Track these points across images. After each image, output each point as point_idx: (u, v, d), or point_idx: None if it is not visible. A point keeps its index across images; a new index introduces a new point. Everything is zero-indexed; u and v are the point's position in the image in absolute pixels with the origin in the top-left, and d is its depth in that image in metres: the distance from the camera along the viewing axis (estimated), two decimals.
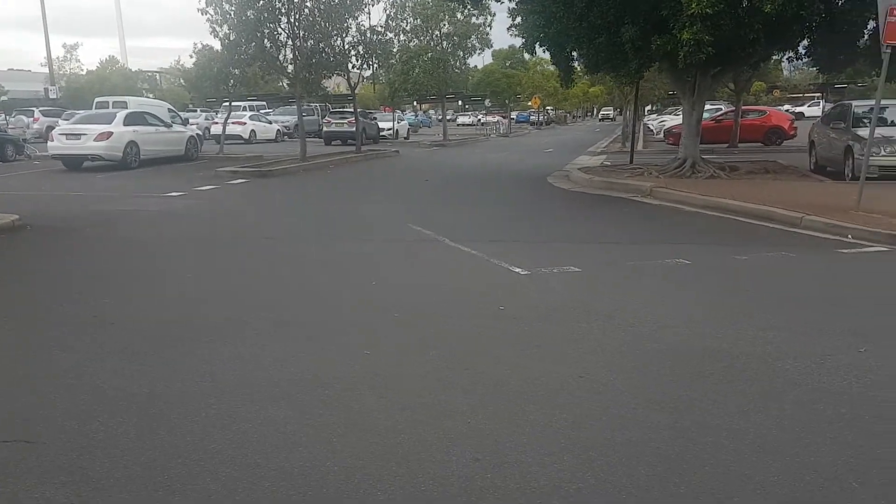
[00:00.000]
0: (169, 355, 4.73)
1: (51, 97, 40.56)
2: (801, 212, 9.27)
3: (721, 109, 32.01)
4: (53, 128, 34.65)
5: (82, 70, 69.45)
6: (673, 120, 37.45)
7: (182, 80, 72.49)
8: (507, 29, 14.91)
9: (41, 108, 37.94)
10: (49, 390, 4.15)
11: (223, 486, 3.08)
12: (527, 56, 66.20)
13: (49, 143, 18.50)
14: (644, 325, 5.24)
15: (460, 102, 70.38)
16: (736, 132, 24.15)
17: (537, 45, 14.29)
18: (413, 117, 56.59)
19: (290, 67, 20.41)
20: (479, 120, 63.18)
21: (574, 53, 14.31)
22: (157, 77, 64.86)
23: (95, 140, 17.58)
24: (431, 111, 75.24)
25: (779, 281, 6.75)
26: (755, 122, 26.04)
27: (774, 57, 15.99)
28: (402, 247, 8.53)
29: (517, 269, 7.01)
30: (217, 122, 33.90)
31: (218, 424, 3.67)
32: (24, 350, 4.85)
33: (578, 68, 15.92)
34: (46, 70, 42.81)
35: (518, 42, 16.27)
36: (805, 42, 13.38)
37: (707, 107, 36.47)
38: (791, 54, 14.52)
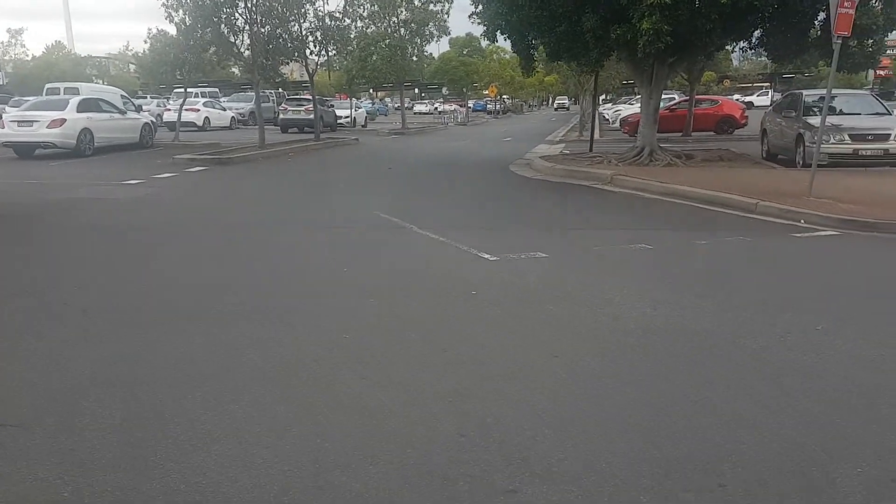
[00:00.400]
0: (145, 341, 4.74)
1: None
2: (755, 198, 9.60)
3: (675, 99, 32.66)
4: (0, 115, 34.01)
5: (28, 55, 67.46)
6: (628, 109, 38.04)
7: (131, 66, 70.98)
8: (469, 16, 14.97)
9: None
10: (30, 376, 4.13)
11: (216, 463, 3.15)
12: (484, 44, 66.40)
13: (0, 131, 17.94)
14: (612, 306, 5.43)
15: (417, 90, 70.32)
16: (690, 121, 24.67)
17: (498, 33, 14.41)
18: (370, 105, 56.29)
19: (247, 53, 20.15)
20: (436, 108, 63.20)
21: (535, 42, 14.46)
22: (107, 63, 63.18)
23: (48, 127, 17.13)
24: (388, 99, 74.93)
25: (737, 264, 7.03)
26: (708, 112, 26.63)
27: (728, 47, 16.41)
28: (371, 234, 8.59)
29: (486, 255, 7.13)
30: (170, 109, 33.31)
31: (205, 406, 3.72)
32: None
33: (539, 57, 16.06)
34: None
35: (478, 30, 16.42)
36: (758, 32, 13.79)
37: (662, 96, 37.03)
38: (745, 44, 14.94)
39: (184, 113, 30.90)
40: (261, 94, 42.35)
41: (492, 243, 7.65)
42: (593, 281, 6.22)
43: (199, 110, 32.82)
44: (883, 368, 4.23)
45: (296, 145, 21.31)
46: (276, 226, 9.13)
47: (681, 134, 24.21)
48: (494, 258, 7.03)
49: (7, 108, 33.93)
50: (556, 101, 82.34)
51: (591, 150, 17.48)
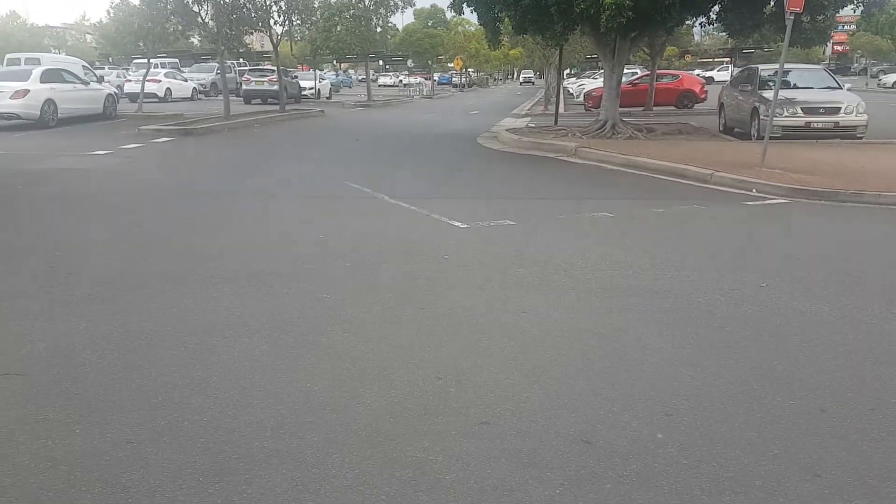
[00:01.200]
0: (131, 301, 4.97)
1: None
2: (711, 169, 10.06)
3: (637, 73, 33.14)
4: None
5: None
6: (591, 84, 38.42)
7: (88, 37, 69.25)
8: None
9: None
10: (26, 332, 4.35)
11: (215, 403, 3.44)
12: (449, 16, 66.09)
13: None
14: (576, 269, 5.79)
15: (381, 62, 69.76)
16: (651, 96, 25.16)
17: (465, 6, 14.60)
18: (334, 77, 55.83)
19: (211, 23, 20.01)
20: (401, 81, 62.90)
21: (501, 14, 14.68)
22: (63, 33, 61.54)
23: (11, 98, 16.88)
24: (351, 71, 74.25)
25: (691, 230, 7.46)
26: (669, 86, 27.14)
27: (688, 22, 16.80)
28: (343, 203, 8.84)
29: (456, 223, 7.45)
30: (130, 80, 32.79)
31: (198, 357, 4.00)
32: None
33: (505, 30, 16.27)
34: None
35: (441, 2, 16.55)
36: (716, 8, 14.19)
37: (624, 71, 37.52)
38: (703, 19, 15.34)
39: (147, 84, 30.64)
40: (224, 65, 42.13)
41: (462, 212, 7.96)
42: (558, 246, 6.58)
43: (160, 81, 32.36)
44: (820, 321, 4.66)
45: (261, 116, 21.27)
46: (248, 195, 9.32)
47: (642, 108, 24.68)
48: (464, 226, 7.36)
49: None
50: (522, 76, 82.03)
51: (556, 123, 17.84)
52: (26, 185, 9.67)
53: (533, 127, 17.74)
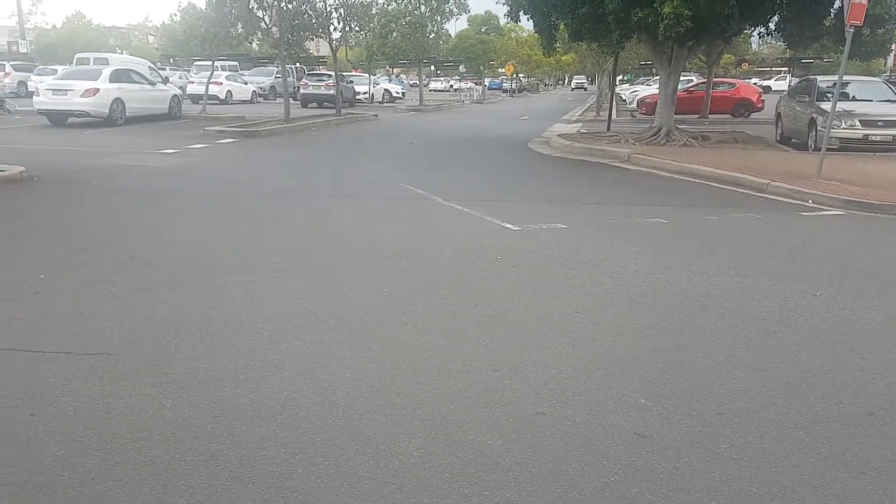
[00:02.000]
0: (208, 290, 5.30)
1: (21, 51, 39.88)
2: (766, 178, 10.05)
3: (693, 81, 32.83)
4: (25, 83, 34.60)
5: (47, 25, 68.12)
6: (645, 90, 38.17)
7: (150, 38, 71.56)
8: None
9: (12, 63, 37.30)
10: (111, 316, 4.70)
11: (291, 385, 3.71)
12: (503, 22, 66.26)
13: (35, 98, 18.55)
14: (628, 272, 5.94)
15: (433, 67, 70.27)
16: (707, 103, 24.94)
17: (521, 13, 14.80)
18: (387, 81, 56.47)
19: (274, 29, 20.57)
20: (452, 86, 63.27)
21: (557, 22, 14.83)
22: (128, 34, 63.62)
23: (82, 96, 17.71)
24: (402, 76, 74.95)
25: (746, 238, 7.51)
26: (725, 95, 26.85)
27: (746, 31, 16.69)
28: (399, 204, 9.11)
29: (508, 225, 7.65)
30: (193, 82, 33.81)
31: (273, 342, 4.29)
32: (72, 284, 5.36)
33: (560, 37, 16.38)
34: (6, 23, 42.03)
35: (499, 9, 16.81)
36: (775, 18, 14.11)
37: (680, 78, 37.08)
38: (762, 29, 15.24)
39: (209, 86, 31.56)
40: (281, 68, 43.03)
41: (513, 215, 8.15)
42: (610, 250, 6.72)
43: (221, 84, 33.28)
44: (871, 329, 4.72)
45: (318, 120, 21.78)
46: (308, 195, 9.66)
47: (697, 116, 24.49)
48: (516, 228, 7.55)
49: (32, 77, 34.69)
50: (574, 81, 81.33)
51: (608, 129, 17.88)
52: (100, 180, 10.17)
53: (585, 133, 17.82)
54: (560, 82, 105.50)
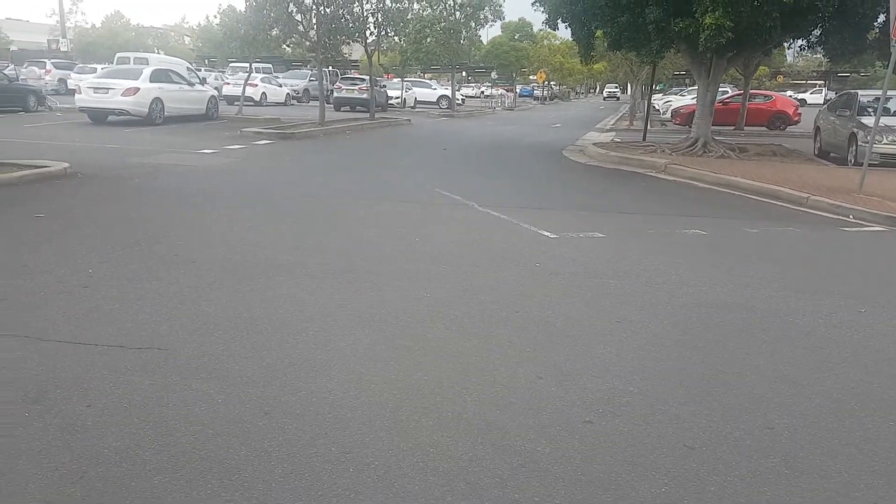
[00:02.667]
0: (252, 289, 5.37)
1: (62, 50, 40.74)
2: (806, 192, 9.94)
3: (728, 92, 32.56)
4: (65, 80, 35.33)
5: (87, 24, 69.45)
6: (679, 101, 37.92)
7: (186, 39, 72.66)
8: (532, 4, 15.36)
9: (53, 61, 38.10)
10: (159, 312, 4.79)
11: (338, 385, 3.75)
12: (536, 29, 66.10)
13: (76, 96, 18.93)
14: (670, 283, 5.91)
15: (464, 74, 70.35)
16: (743, 115, 24.70)
17: (559, 21, 14.79)
18: (442, 87, 56.64)
19: (312, 32, 20.78)
20: (482, 92, 63.26)
21: (595, 31, 14.81)
22: (165, 34, 64.63)
23: (123, 95, 18.03)
24: (433, 82, 75.08)
25: (787, 252, 7.43)
26: (761, 107, 26.58)
27: (785, 44, 16.51)
28: (436, 209, 9.14)
29: (546, 233, 7.65)
30: (228, 83, 34.23)
31: (318, 343, 4.34)
32: (120, 280, 5.46)
33: (598, 45, 16.32)
34: (46, 21, 43.00)
35: (529, 15, 16.79)
36: (817, 31, 13.92)
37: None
38: (803, 42, 15.07)
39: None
40: (315, 72, 43.40)
41: (550, 222, 8.15)
42: (650, 260, 6.69)
43: (256, 86, 33.64)
44: None
45: (352, 123, 21.94)
46: (346, 198, 9.75)
47: (733, 127, 24.27)
48: (554, 236, 7.54)
49: (72, 75, 35.41)
50: (606, 90, 79.98)
51: (644, 139, 17.79)
52: (142, 178, 10.35)
53: (619, 142, 17.73)
54: (591, 90, 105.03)
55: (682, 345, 4.55)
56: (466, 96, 66.59)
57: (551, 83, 69.14)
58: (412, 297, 5.35)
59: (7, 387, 3.61)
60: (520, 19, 59.90)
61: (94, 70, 35.05)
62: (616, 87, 76.74)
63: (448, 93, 40.19)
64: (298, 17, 19.80)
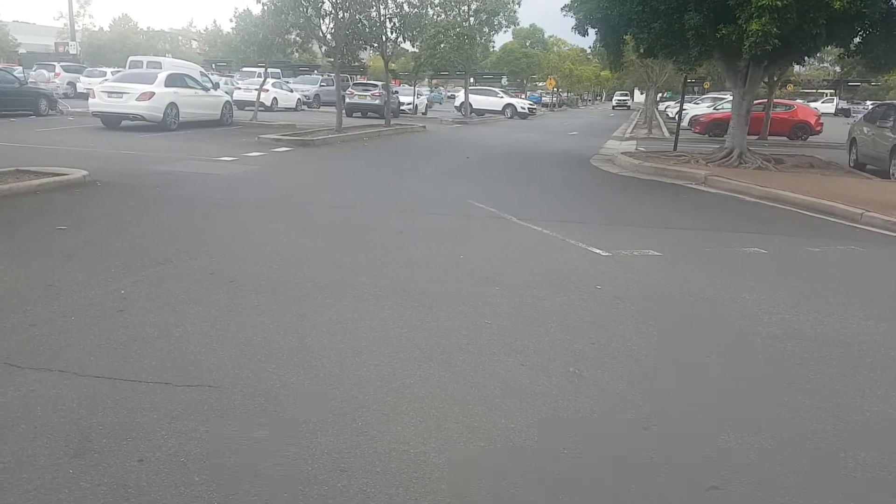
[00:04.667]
0: (299, 314, 4.94)
1: (71, 53, 40.43)
2: (859, 208, 9.48)
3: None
4: (74, 84, 35.00)
5: (94, 27, 69.30)
6: (695, 109, 37.46)
7: (194, 43, 72.41)
8: (561, 9, 14.94)
9: (62, 64, 37.78)
10: (203, 341, 4.35)
11: (415, 435, 3.31)
12: (547, 35, 65.83)
13: (90, 101, 18.52)
14: (749, 311, 5.45)
15: (472, 80, 69.70)
16: (766, 125, 24.24)
17: (589, 27, 14.36)
18: (429, 93, 56.35)
19: (329, 37, 20.40)
20: None
21: (626, 38, 14.37)
22: (175, 38, 64.40)
23: (138, 99, 17.62)
24: (441, 87, 74.70)
25: (857, 274, 6.98)
26: (782, 116, 26.10)
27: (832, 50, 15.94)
28: (473, 222, 8.68)
29: (597, 250, 7.20)
30: (240, 88, 33.86)
31: (382, 379, 3.89)
32: (156, 303, 5.03)
33: (629, 53, 15.84)
34: (54, 24, 42.67)
35: (540, 21, 16.30)
36: (857, 39, 13.45)
37: (728, 98, 36.33)
38: (841, 51, 14.60)
39: (252, 92, 31.47)
40: (325, 77, 43.09)
41: (598, 238, 7.70)
42: (718, 283, 6.24)
43: (268, 91, 33.26)
44: None
45: (369, 130, 21.51)
46: (376, 209, 9.31)
47: (756, 137, 23.80)
48: (607, 254, 7.10)
49: (81, 78, 35.09)
50: (616, 98, 75.66)
51: (674, 148, 17.33)
52: (164, 187, 9.92)
53: (650, 152, 17.21)
54: (598, 98, 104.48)
55: (788, 387, 4.07)
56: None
57: (559, 90, 68.73)
58: (473, 324, 4.91)
59: (46, 434, 3.18)
60: (531, 25, 59.59)
61: (104, 73, 34.82)
62: (626, 95, 73.97)
63: (514, 101, 39.83)
64: (316, 22, 19.41)
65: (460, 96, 42.58)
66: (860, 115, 18.90)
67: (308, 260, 6.46)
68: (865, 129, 15.44)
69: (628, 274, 6.43)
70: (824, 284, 6.38)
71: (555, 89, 61.26)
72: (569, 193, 11.70)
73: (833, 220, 9.51)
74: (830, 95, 73.52)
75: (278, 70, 45.21)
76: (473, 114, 37.59)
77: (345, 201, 9.80)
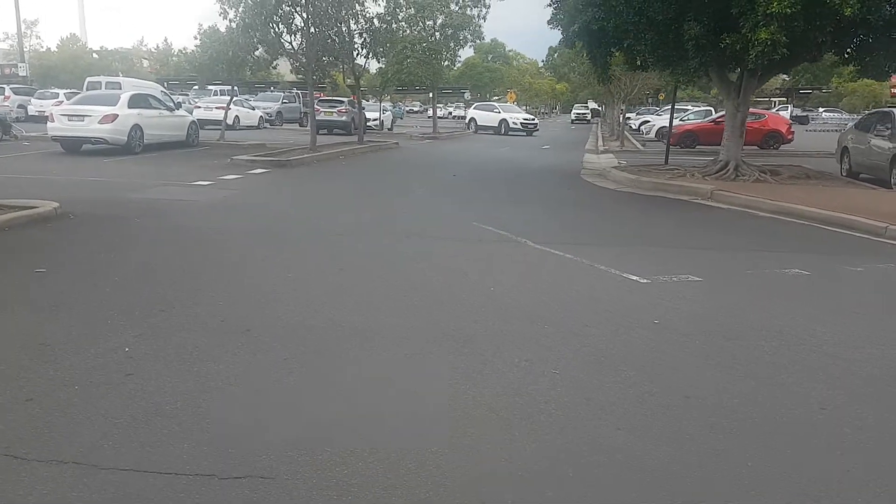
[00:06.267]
0: (336, 367, 4.30)
1: (20, 75, 38.82)
2: (882, 221, 9.12)
3: (712, 112, 32.26)
4: (25, 107, 33.47)
5: (42, 47, 67.06)
6: (657, 120, 37.52)
7: (145, 62, 70.63)
8: (548, 22, 14.50)
9: (11, 86, 36.16)
10: (239, 413, 3.66)
11: None
12: (508, 49, 65.66)
13: (49, 125, 17.42)
14: (829, 345, 4.93)
15: (430, 95, 69.13)
16: (742, 135, 24.11)
17: (577, 40, 13.93)
18: (391, 108, 55.67)
19: (300, 54, 19.70)
20: (450, 113, 61.95)
21: (615, 50, 13.98)
22: (130, 57, 62.74)
23: (100, 122, 16.62)
24: (400, 103, 73.99)
25: None
26: (753, 126, 25.89)
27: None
28: (487, 248, 8.08)
29: (633, 277, 6.65)
30: (199, 107, 32.77)
31: (472, 461, 3.24)
32: (168, 361, 4.30)
33: (632, 64, 15.22)
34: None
35: (501, 36, 15.82)
36: (851, 47, 13.22)
37: (692, 109, 36.48)
38: (836, 58, 14.42)
39: (214, 111, 30.51)
40: (287, 93, 42.22)
41: (627, 263, 7.17)
42: (776, 310, 5.73)
43: (230, 109, 32.30)
44: None
45: (344, 148, 20.82)
46: (380, 235, 8.64)
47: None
48: (645, 281, 6.55)
49: (33, 101, 33.59)
50: (575, 111, 68.10)
51: (666, 161, 16.98)
52: (142, 218, 9.11)
53: (639, 165, 16.73)
54: (553, 111, 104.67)
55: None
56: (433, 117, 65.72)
57: (517, 104, 68.30)
58: (540, 374, 4.29)
59: None
60: (492, 40, 59.49)
61: (57, 95, 33.44)
62: (586, 108, 67.97)
63: (508, 117, 39.34)
64: (288, 38, 18.70)
65: (470, 112, 42.86)
66: (849, 124, 18.81)
67: (326, 299, 5.78)
68: (859, 138, 15.28)
69: (678, 304, 5.88)
70: (888, 310, 5.93)
71: (514, 103, 61.05)
72: (574, 212, 11.19)
73: (856, 234, 9.13)
74: (783, 104, 75.03)
75: (235, 87, 44.19)
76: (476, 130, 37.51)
77: (341, 227, 9.11)
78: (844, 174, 15.74)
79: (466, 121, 40.07)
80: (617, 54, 14.52)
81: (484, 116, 40.88)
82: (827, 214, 9.74)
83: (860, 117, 17.40)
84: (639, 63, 14.04)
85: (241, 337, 4.79)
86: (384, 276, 6.62)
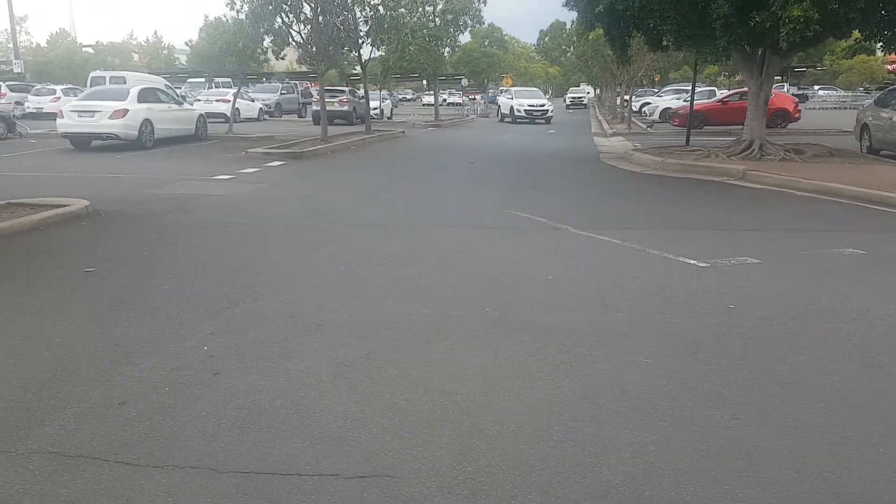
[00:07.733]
0: (425, 362, 4.21)
1: (15, 72, 38.38)
2: None
3: (716, 92, 32.12)
4: (22, 103, 33.06)
5: (31, 43, 66.27)
6: (660, 101, 37.36)
7: (135, 56, 69.83)
8: (564, 4, 14.31)
9: (8, 83, 35.75)
10: (339, 410, 3.55)
11: None
12: (505, 34, 65.18)
13: (58, 121, 17.17)
14: None
15: (425, 82, 68.62)
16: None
17: (596, 22, 13.75)
18: (388, 96, 55.30)
19: (310, 44, 19.44)
20: (444, 100, 60.96)
21: (635, 32, 13.81)
22: (129, 52, 62.10)
23: (111, 118, 16.39)
24: (394, 91, 73.42)
25: None
26: None
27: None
28: (530, 236, 7.94)
29: (691, 261, 6.55)
30: (199, 100, 32.46)
31: (583, 445, 3.14)
32: (253, 359, 4.18)
33: (656, 44, 14.99)
34: None
35: (499, 21, 15.63)
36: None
37: (699, 88, 36.38)
38: (858, 35, 14.25)
39: (215, 104, 30.22)
40: (285, 84, 41.83)
41: (678, 246, 7.07)
42: (848, 292, 5.62)
43: (230, 101, 32.00)
44: None
45: (354, 138, 20.61)
46: (419, 225, 8.52)
47: (741, 127, 23.56)
48: (704, 264, 6.45)
49: (29, 97, 33.19)
50: (570, 95, 64.96)
51: (687, 143, 16.84)
52: (174, 214, 8.95)
53: (661, 147, 16.52)
54: (546, 95, 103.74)
55: None
56: (429, 104, 65.10)
57: (513, 89, 67.70)
58: (630, 363, 4.20)
59: None
60: (489, 25, 59.07)
61: (54, 91, 33.08)
62: (582, 93, 65.91)
63: (539, 102, 37.55)
64: (296, 28, 18.46)
65: (503, 100, 40.27)
66: (868, 101, 18.66)
67: (385, 291, 5.66)
68: (879, 115, 15.16)
69: (747, 287, 5.77)
70: None
71: (511, 87, 60.54)
72: (605, 197, 11.06)
73: None
74: (779, 83, 74.79)
75: (229, 80, 43.69)
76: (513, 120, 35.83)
77: (375, 218, 8.98)
78: (865, 151, 15.64)
79: (503, 110, 37.51)
80: (637, 35, 14.35)
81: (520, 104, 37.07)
82: (865, 192, 9.64)
83: (880, 94, 17.21)
84: (664, 43, 13.86)
85: (316, 333, 4.67)
86: (435, 267, 6.49)
